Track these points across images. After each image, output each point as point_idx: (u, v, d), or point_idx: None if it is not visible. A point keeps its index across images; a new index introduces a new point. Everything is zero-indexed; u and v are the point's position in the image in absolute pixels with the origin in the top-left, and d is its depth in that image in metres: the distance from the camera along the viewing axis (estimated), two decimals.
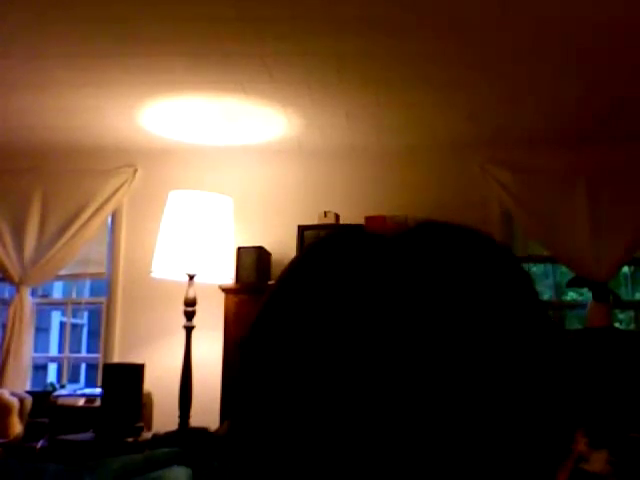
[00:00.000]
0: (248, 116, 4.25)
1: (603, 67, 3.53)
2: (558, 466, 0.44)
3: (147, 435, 3.46)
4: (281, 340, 0.45)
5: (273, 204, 4.74)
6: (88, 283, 5.72)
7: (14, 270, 4.71)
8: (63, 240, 4.71)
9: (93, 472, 2.04)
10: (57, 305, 5.90)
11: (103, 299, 4.89)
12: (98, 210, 4.76)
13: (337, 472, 0.40)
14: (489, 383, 0.41)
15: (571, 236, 4.34)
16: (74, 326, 6.58)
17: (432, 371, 0.41)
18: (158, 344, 4.58)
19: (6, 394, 3.98)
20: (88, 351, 7.38)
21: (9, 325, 4.60)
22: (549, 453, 0.43)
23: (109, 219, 4.90)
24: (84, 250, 4.82)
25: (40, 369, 5.91)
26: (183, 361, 3.71)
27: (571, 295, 5.15)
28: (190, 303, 3.76)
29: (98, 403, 3.57)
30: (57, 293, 5.85)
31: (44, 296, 5.26)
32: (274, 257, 4.52)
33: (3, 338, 4.62)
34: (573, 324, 4.95)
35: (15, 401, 3.96)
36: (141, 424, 3.49)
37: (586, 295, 4.55)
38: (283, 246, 4.49)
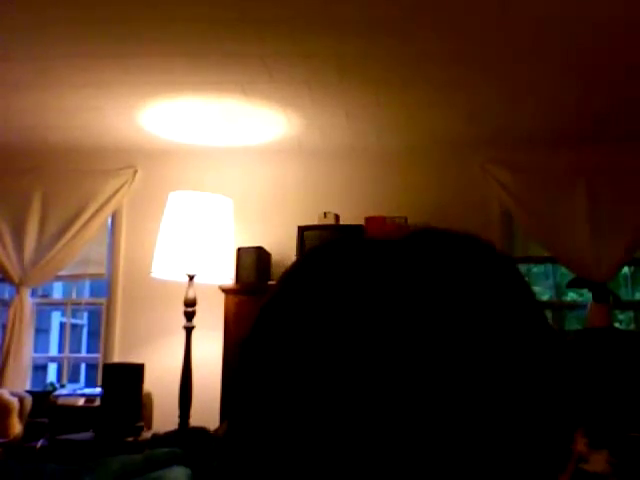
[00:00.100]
0: (248, 116, 4.25)
1: (603, 67, 3.53)
2: (559, 468, 0.44)
3: (147, 435, 3.46)
4: (280, 342, 0.45)
5: (273, 204, 4.74)
6: (88, 283, 5.72)
7: (14, 271, 4.71)
8: (63, 241, 4.72)
9: (92, 472, 2.04)
10: (57, 305, 5.90)
11: (103, 299, 4.90)
12: (98, 211, 4.76)
13: (336, 472, 0.40)
14: (488, 388, 0.41)
15: (571, 236, 4.34)
16: (74, 326, 6.58)
17: (432, 376, 0.41)
18: (158, 344, 4.58)
19: (6, 394, 3.98)
20: (88, 351, 7.38)
21: (9, 325, 4.60)
22: (549, 455, 0.43)
23: (109, 220, 4.90)
24: (84, 251, 4.82)
25: (40, 369, 5.91)
26: (183, 361, 3.71)
27: (571, 296, 5.15)
28: (190, 303, 3.76)
29: (98, 403, 3.57)
30: (57, 293, 5.85)
31: (44, 296, 5.26)
32: (274, 257, 4.52)
33: (3, 338, 4.62)
34: (573, 325, 4.95)
35: (15, 401, 3.96)
36: (141, 424, 3.49)
37: (586, 296, 4.55)
38: (283, 246, 4.49)
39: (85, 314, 7.89)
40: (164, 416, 3.93)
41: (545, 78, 3.65)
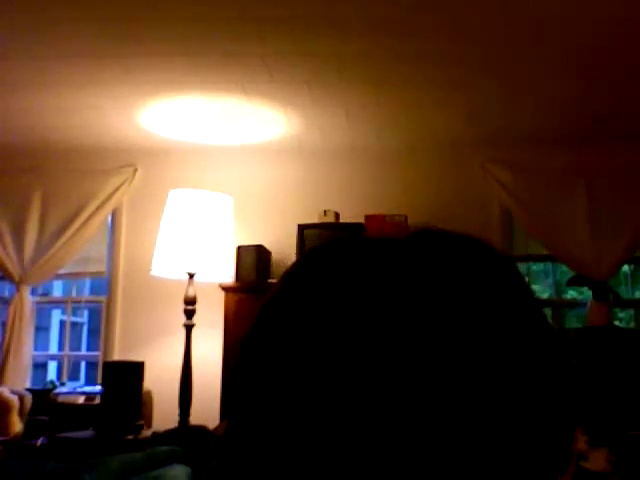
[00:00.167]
0: (248, 116, 4.25)
1: (603, 67, 3.53)
2: (560, 468, 0.44)
3: (147, 433, 3.46)
4: (280, 341, 0.45)
5: (273, 203, 4.74)
6: (88, 282, 5.72)
7: (14, 269, 4.71)
8: (63, 239, 4.72)
9: (92, 470, 2.05)
10: (57, 304, 5.90)
11: (103, 298, 4.90)
12: (98, 209, 4.76)
13: (336, 471, 0.41)
14: (489, 388, 0.41)
15: (571, 235, 4.34)
16: (74, 324, 6.58)
17: (433, 376, 0.41)
18: (158, 342, 4.58)
19: (6, 392, 3.99)
20: (88, 349, 7.37)
21: (9, 324, 4.60)
22: (551, 455, 0.44)
23: (109, 218, 4.90)
24: (84, 249, 4.82)
25: (40, 367, 5.91)
26: (183, 359, 3.71)
27: (571, 294, 5.15)
28: (190, 302, 3.75)
29: (98, 401, 3.57)
30: (57, 292, 5.85)
31: (44, 295, 5.26)
32: (274, 256, 4.52)
33: (3, 336, 4.62)
34: (573, 323, 4.95)
35: (15, 399, 3.96)
36: (141, 422, 3.49)
37: (586, 294, 4.55)
38: (283, 245, 4.49)
39: (85, 312, 7.89)
40: (164, 414, 3.94)
41: (545, 78, 3.65)
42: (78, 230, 4.73)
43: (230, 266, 3.98)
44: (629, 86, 3.75)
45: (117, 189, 4.80)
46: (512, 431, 0.42)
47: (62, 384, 4.66)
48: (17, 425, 3.86)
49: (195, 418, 3.67)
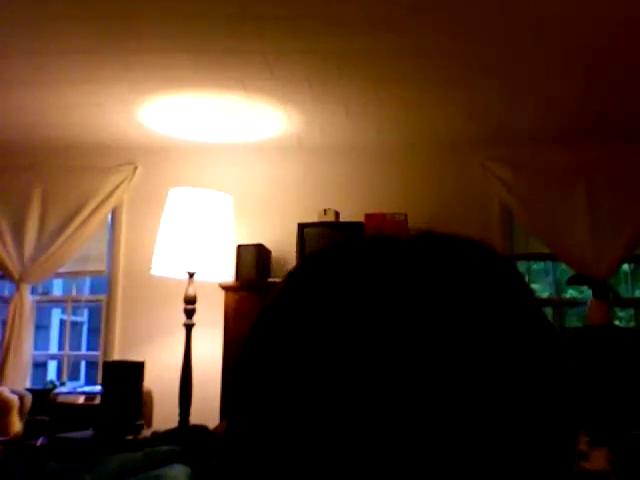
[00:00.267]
0: (248, 113, 4.25)
1: (603, 67, 3.53)
2: (564, 471, 0.44)
3: (147, 433, 3.46)
4: (282, 341, 0.45)
5: (273, 202, 4.74)
6: (88, 281, 5.72)
7: (14, 268, 4.71)
8: (63, 237, 4.72)
9: (92, 470, 2.05)
10: (57, 303, 5.89)
11: (103, 297, 4.90)
12: (98, 207, 4.76)
13: (336, 471, 0.40)
14: (491, 391, 0.41)
15: (571, 233, 4.35)
16: (74, 324, 6.58)
17: (435, 379, 0.41)
18: (158, 342, 4.58)
19: (6, 392, 3.99)
20: (88, 349, 7.37)
21: (9, 323, 4.60)
22: (554, 456, 0.43)
23: (109, 216, 4.90)
24: (84, 247, 4.82)
25: (40, 367, 5.91)
26: (183, 359, 3.71)
27: (571, 293, 5.15)
28: (190, 301, 3.76)
29: (98, 401, 3.57)
30: (57, 291, 5.85)
31: (44, 294, 5.26)
32: (274, 255, 4.52)
33: (3, 336, 4.62)
34: (573, 322, 4.95)
35: (15, 399, 3.96)
36: (141, 422, 3.49)
37: (586, 293, 4.56)
38: (283, 244, 4.49)
39: (85, 311, 7.89)
40: (164, 414, 3.94)
41: (545, 77, 3.65)
42: (78, 228, 4.73)
43: (230, 265, 3.98)
44: (629, 86, 3.75)
45: (117, 187, 4.80)
46: (514, 432, 0.42)
47: (62, 384, 4.66)
48: (17, 425, 3.86)
49: (195, 418, 3.67)
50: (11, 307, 4.63)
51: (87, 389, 3.89)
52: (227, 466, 0.46)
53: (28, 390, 4.19)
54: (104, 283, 4.94)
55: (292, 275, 0.49)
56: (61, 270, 4.86)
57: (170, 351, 4.34)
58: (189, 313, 3.77)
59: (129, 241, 4.83)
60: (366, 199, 4.54)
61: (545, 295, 4.83)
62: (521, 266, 4.63)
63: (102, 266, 4.89)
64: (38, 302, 5.03)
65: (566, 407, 0.45)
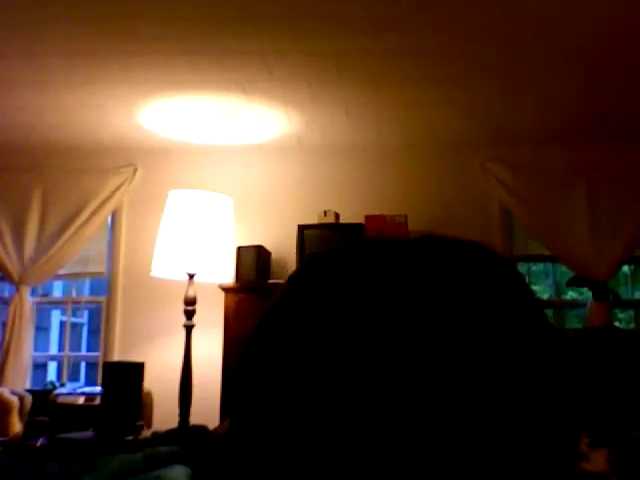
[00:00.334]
0: (248, 114, 4.25)
1: (603, 67, 3.53)
2: (567, 473, 0.44)
3: (147, 434, 3.46)
4: (283, 343, 0.45)
5: (273, 203, 4.74)
6: (88, 282, 5.72)
7: (14, 269, 4.71)
8: (63, 239, 4.72)
9: (92, 471, 2.05)
10: (57, 304, 5.89)
11: (103, 298, 4.89)
12: (98, 209, 4.76)
13: (337, 471, 0.40)
14: (493, 393, 0.41)
15: (571, 235, 4.35)
16: (74, 325, 6.59)
17: (437, 381, 0.41)
18: (158, 343, 4.58)
19: (6, 392, 3.99)
20: (88, 350, 7.38)
21: (9, 324, 4.60)
22: (555, 458, 0.43)
23: (109, 218, 4.90)
24: (84, 249, 4.82)
25: (40, 368, 5.91)
26: (183, 359, 3.71)
27: (571, 294, 5.15)
28: (190, 302, 3.75)
29: (98, 401, 3.57)
30: (57, 292, 5.85)
31: (44, 295, 5.25)
32: (274, 256, 4.52)
33: (3, 337, 4.62)
34: (573, 323, 4.95)
35: (15, 399, 3.96)
36: (141, 422, 3.49)
37: (586, 294, 4.55)
38: (283, 245, 4.49)
39: (85, 312, 7.89)
40: (164, 415, 3.93)
41: (545, 77, 3.65)
42: (78, 230, 4.73)
43: (230, 266, 3.98)
44: (629, 86, 3.75)
45: (117, 189, 4.80)
46: (516, 433, 0.42)
47: (62, 384, 4.66)
48: (17, 426, 3.86)
49: (195, 418, 3.66)
50: (11, 308, 4.63)
51: (87, 390, 3.88)
52: (228, 467, 0.46)
53: (28, 391, 4.18)
54: (104, 284, 4.94)
55: (294, 277, 0.49)
56: (61, 272, 4.86)
57: (170, 352, 4.34)
58: (189, 314, 3.76)
59: (129, 243, 4.83)
60: (366, 200, 4.54)
61: (545, 297, 4.83)
62: (521, 268, 4.63)
63: (102, 267, 4.89)
64: (38, 303, 5.03)
65: (567, 408, 0.45)
